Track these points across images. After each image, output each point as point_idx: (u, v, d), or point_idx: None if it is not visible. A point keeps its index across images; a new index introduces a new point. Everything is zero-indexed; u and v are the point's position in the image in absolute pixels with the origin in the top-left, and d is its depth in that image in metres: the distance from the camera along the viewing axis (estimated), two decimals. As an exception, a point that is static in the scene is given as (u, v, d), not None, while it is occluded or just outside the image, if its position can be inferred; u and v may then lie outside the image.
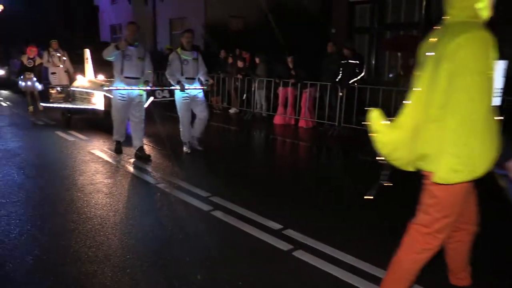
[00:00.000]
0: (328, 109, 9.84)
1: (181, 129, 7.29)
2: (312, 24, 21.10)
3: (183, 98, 7.01)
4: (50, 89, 10.11)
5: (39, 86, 11.82)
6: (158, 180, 5.70)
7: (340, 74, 9.50)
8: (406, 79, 9.26)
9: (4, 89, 17.25)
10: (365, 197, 3.47)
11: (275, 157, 8.06)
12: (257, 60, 11.42)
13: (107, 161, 6.64)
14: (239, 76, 11.76)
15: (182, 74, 6.96)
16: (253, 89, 11.55)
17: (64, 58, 12.06)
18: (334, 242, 3.81)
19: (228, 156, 7.61)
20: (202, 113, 7.25)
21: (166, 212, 4.66)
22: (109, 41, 24.70)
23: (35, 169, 6.25)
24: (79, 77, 10.19)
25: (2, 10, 22.13)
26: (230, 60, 12.21)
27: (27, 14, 25.12)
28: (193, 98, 7.10)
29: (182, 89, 6.85)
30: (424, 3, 12.83)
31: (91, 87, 9.20)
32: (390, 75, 14.38)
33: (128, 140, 7.11)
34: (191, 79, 7.05)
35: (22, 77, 11.76)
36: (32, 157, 6.99)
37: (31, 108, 11.75)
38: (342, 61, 9.48)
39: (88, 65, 10.08)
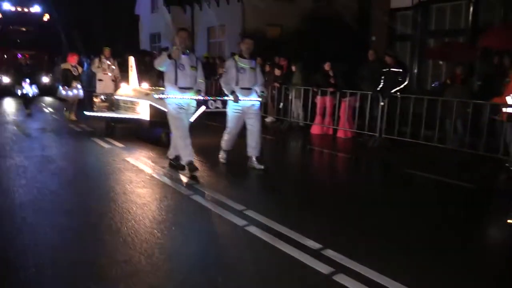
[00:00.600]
0: (369, 119, 9.44)
1: (225, 138, 6.88)
2: (350, 31, 20.75)
3: (235, 111, 6.57)
4: (94, 98, 9.75)
5: (82, 94, 11.76)
6: (192, 191, 5.52)
7: (382, 83, 9.09)
8: (452, 88, 8.74)
9: (48, 96, 17.72)
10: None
11: (313, 169, 7.75)
12: (293, 68, 11.16)
13: (141, 170, 6.54)
14: (276, 85, 11.53)
15: (237, 84, 6.48)
16: (290, 97, 11.29)
17: (114, 67, 11.93)
18: (379, 266, 3.48)
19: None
20: (253, 127, 6.65)
21: (199, 227, 4.45)
22: (148, 49, 25.18)
23: (69, 177, 6.23)
24: (123, 85, 9.91)
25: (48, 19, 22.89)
26: (267, 68, 11.98)
27: (71, 22, 25.91)
28: (246, 110, 6.59)
29: (236, 100, 6.39)
30: (471, 9, 12.28)
31: (136, 95, 8.85)
32: (434, 84, 13.78)
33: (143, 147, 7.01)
34: (246, 90, 6.52)
35: (65, 86, 11.43)
36: (67, 164, 7.01)
37: (67, 114, 11.66)
38: (384, 69, 9.07)
39: (133, 73, 9.72)
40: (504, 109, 7.18)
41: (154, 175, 6.26)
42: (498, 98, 7.34)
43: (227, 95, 6.58)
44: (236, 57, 6.55)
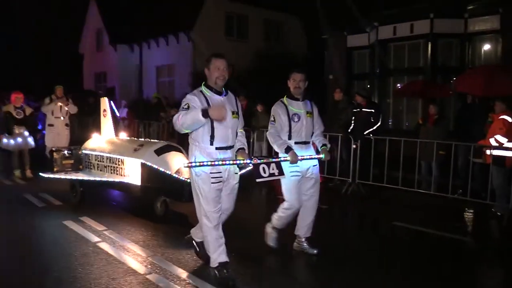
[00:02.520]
0: (340, 163, 8.73)
1: (280, 214, 4.73)
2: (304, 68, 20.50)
3: (293, 174, 4.54)
4: (55, 153, 7.11)
5: (32, 143, 9.28)
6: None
7: (353, 124, 8.48)
8: (425, 128, 8.27)
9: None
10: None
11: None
12: (259, 108, 10.39)
13: (135, 271, 5.27)
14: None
15: (290, 137, 4.59)
16: (251, 140, 10.45)
17: (66, 108, 9.80)
18: None
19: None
20: (311, 198, 4.72)
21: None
22: (93, 89, 23.77)
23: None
24: (94, 135, 7.50)
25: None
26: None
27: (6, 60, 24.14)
28: (303, 173, 4.63)
29: (294, 161, 4.39)
30: (429, 48, 12.23)
31: (117, 151, 6.56)
32: (390, 122, 13.60)
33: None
34: (303, 144, 4.61)
35: (6, 133, 8.99)
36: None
37: (17, 172, 9.13)
38: (355, 110, 8.49)
39: (107, 119, 7.47)
40: (488, 151, 6.73)
41: (160, 284, 3.97)
42: (482, 140, 6.89)
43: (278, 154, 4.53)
44: (285, 100, 4.64)
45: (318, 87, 17.83)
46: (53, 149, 7.32)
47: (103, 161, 6.71)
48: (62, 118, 9.76)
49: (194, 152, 3.98)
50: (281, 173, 4.22)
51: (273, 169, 4.17)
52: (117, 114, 15.33)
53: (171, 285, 3.94)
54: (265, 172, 4.12)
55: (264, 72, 18.49)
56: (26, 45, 27.05)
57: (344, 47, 14.56)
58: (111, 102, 7.67)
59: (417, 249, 5.40)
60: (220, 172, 3.93)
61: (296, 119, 4.54)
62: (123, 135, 7.53)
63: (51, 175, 6.97)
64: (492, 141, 6.62)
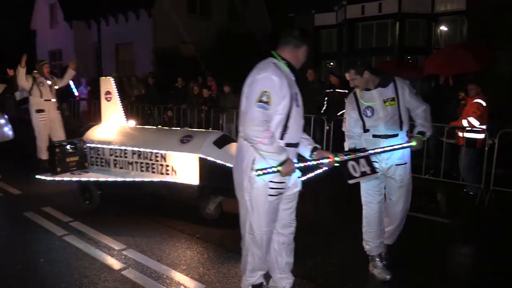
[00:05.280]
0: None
1: (368, 230, 3.93)
2: (268, 49, 20.18)
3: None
4: (56, 148, 5.56)
5: (9, 133, 7.27)
6: None
7: (325, 105, 8.34)
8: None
9: None
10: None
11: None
12: (226, 89, 10.05)
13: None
14: (204, 108, 10.32)
15: (366, 130, 3.78)
16: (221, 122, 10.15)
17: (56, 87, 7.97)
18: None
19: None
20: (400, 200, 3.91)
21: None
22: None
23: None
24: (103, 124, 6.07)
25: None
26: (196, 90, 10.71)
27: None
28: (386, 171, 3.83)
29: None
30: (397, 28, 12.23)
31: (152, 143, 5.29)
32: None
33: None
34: (384, 138, 3.73)
35: None
36: None
37: None
38: (328, 90, 8.34)
39: (113, 103, 6.00)
40: (460, 134, 6.78)
41: (138, 281, 3.64)
42: (454, 122, 6.93)
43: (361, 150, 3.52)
44: (358, 92, 3.82)
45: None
46: (55, 143, 5.79)
47: (125, 157, 5.44)
48: (53, 100, 7.84)
49: (255, 153, 2.93)
50: (373, 170, 3.39)
51: (363, 166, 3.35)
52: (76, 94, 14.64)
53: (149, 282, 3.67)
54: (355, 171, 3.31)
55: (228, 51, 18.07)
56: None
57: (311, 26, 14.36)
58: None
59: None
60: (284, 181, 3.01)
61: (369, 114, 3.73)
62: (132, 123, 6.19)
63: (56, 178, 5.47)
64: (464, 123, 6.65)
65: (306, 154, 3.21)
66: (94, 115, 13.02)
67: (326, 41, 14.31)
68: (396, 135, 3.72)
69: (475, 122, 6.50)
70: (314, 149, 3.19)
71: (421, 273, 4.01)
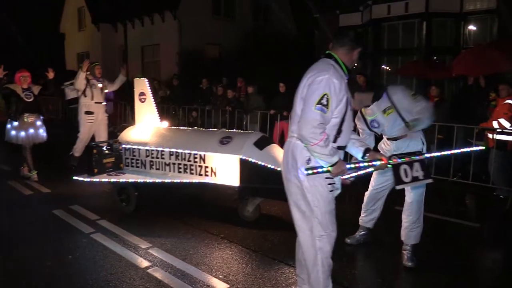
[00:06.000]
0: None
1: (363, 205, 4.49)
2: (292, 51, 20.19)
3: None
4: (93, 150, 5.57)
5: (43, 134, 7.24)
6: (149, 259, 4.09)
7: (351, 106, 8.24)
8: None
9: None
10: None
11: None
12: (250, 90, 10.06)
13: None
14: (229, 108, 10.35)
15: (380, 135, 4.25)
16: (244, 122, 10.17)
17: (107, 90, 8.00)
18: None
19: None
20: (411, 191, 4.08)
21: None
22: (76, 70, 22.98)
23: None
24: (138, 125, 6.07)
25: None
26: (220, 91, 10.76)
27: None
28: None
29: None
30: (424, 28, 12.00)
31: (190, 144, 5.29)
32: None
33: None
34: (395, 140, 4.10)
35: (14, 123, 6.96)
36: None
37: (34, 174, 7.12)
38: (355, 91, 8.22)
39: (147, 104, 6.06)
40: (490, 135, 6.59)
41: (164, 280, 3.66)
42: (484, 123, 6.74)
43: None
44: (363, 111, 4.17)
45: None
46: (93, 144, 5.79)
47: (162, 158, 5.44)
48: (103, 103, 7.81)
49: (307, 153, 2.89)
50: (427, 176, 3.31)
51: (416, 171, 3.26)
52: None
53: (174, 280, 3.69)
54: (406, 176, 3.25)
55: (253, 52, 18.12)
56: (5, 25, 25.97)
57: (335, 27, 14.24)
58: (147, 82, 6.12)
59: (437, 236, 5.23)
60: (335, 181, 2.98)
61: (375, 125, 4.08)
62: (165, 124, 6.17)
63: (93, 179, 5.44)
64: (494, 124, 6.47)
65: (359, 155, 3.19)
66: (120, 117, 13.26)
67: (351, 42, 14.11)
68: (405, 136, 4.03)
69: (506, 124, 6.32)
70: (367, 151, 3.17)
71: (450, 278, 3.91)
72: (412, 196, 4.06)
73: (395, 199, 4.51)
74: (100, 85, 7.68)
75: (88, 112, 7.61)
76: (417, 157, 3.27)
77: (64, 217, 5.32)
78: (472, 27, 11.89)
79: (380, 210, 4.55)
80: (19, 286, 3.62)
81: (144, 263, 4.01)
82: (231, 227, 5.01)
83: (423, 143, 4.08)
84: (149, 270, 3.87)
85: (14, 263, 4.09)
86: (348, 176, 3.28)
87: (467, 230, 5.34)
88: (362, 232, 4.64)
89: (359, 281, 3.83)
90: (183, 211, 5.63)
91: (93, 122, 7.66)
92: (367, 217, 4.57)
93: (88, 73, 7.68)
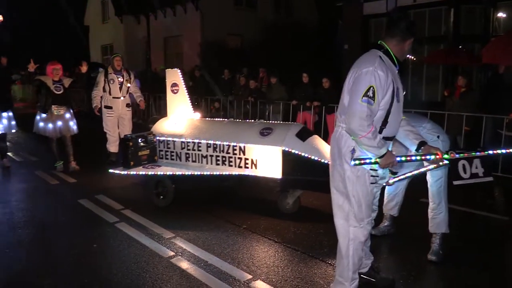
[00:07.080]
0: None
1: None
2: (313, 41, 19.95)
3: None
4: (129, 142, 5.48)
5: (74, 127, 7.26)
6: (173, 248, 4.13)
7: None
8: (450, 101, 7.87)
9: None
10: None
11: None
12: (273, 80, 9.99)
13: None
14: (251, 99, 10.31)
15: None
16: (267, 113, 10.12)
17: (129, 85, 7.74)
18: None
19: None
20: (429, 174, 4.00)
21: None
22: (100, 62, 23.32)
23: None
24: (172, 117, 5.95)
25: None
26: (242, 81, 10.72)
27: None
28: None
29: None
30: (452, 15, 11.65)
31: (228, 136, 5.19)
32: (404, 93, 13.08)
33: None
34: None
35: (42, 114, 7.03)
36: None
37: (60, 164, 7.24)
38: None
39: (180, 96, 5.93)
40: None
41: (188, 269, 3.66)
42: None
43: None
44: None
45: (331, 58, 17.44)
46: (128, 136, 5.65)
47: (199, 150, 5.36)
48: (122, 98, 7.68)
49: (352, 143, 2.91)
50: (487, 173, 3.08)
51: (476, 168, 3.06)
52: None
53: (197, 270, 3.70)
54: (465, 172, 3.07)
55: (274, 42, 18.00)
56: (30, 18, 26.52)
57: (360, 15, 13.96)
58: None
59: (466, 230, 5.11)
60: (378, 170, 2.97)
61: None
62: (197, 115, 6.00)
63: (130, 171, 5.36)
64: (527, 114, 6.25)
65: (413, 148, 3.12)
66: (146, 108, 13.38)
67: (376, 31, 13.84)
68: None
69: (538, 113, 6.10)
70: (422, 144, 3.06)
71: (476, 273, 3.81)
72: (430, 181, 3.97)
73: (420, 191, 4.39)
74: (120, 79, 7.59)
75: (107, 107, 7.67)
76: (478, 153, 3.08)
77: (90, 206, 5.41)
78: (502, 14, 11.47)
79: (403, 195, 4.46)
80: (46, 273, 3.69)
81: (168, 253, 4.04)
82: (253, 218, 4.99)
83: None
84: (172, 260, 3.90)
85: (41, 250, 4.19)
86: (394, 179, 3.30)
87: (495, 223, 5.19)
88: (387, 223, 4.57)
89: (383, 273, 3.76)
90: (206, 202, 5.66)
91: (112, 117, 7.70)
92: (390, 203, 4.49)
93: (109, 66, 7.74)
